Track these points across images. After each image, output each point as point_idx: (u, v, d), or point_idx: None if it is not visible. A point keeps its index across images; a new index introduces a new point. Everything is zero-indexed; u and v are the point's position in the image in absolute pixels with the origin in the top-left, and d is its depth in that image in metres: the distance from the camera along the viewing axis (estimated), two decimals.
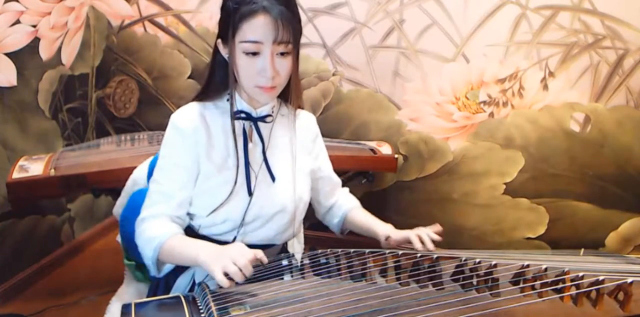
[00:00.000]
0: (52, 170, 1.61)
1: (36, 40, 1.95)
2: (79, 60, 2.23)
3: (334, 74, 2.18)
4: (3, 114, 1.84)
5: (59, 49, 2.09)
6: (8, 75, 1.84)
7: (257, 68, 0.93)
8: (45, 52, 2.01)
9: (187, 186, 1.02)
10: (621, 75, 1.87)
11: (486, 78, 2.02)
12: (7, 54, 1.82)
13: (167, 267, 1.07)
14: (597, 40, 1.86)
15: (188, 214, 1.06)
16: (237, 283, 0.85)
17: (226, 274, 0.84)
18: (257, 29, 0.90)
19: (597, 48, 1.87)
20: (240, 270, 0.84)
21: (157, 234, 0.98)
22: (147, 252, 0.99)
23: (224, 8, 0.95)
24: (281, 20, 0.89)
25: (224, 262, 0.85)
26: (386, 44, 2.08)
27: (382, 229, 1.12)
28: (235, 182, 1.01)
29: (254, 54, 0.92)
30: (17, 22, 1.85)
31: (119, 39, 2.40)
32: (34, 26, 1.92)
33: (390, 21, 2.05)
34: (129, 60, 2.43)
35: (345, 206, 1.23)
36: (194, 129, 1.00)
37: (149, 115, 2.51)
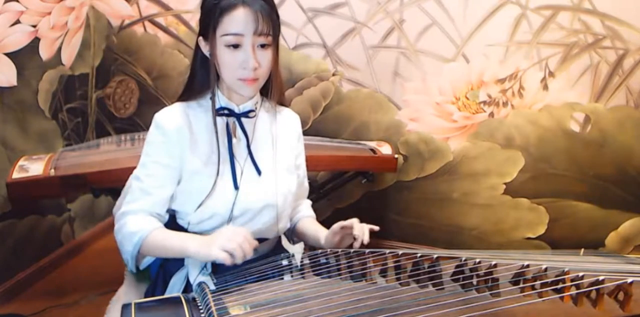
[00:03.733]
0: (52, 170, 1.61)
1: (36, 40, 1.95)
2: (79, 60, 2.23)
3: (334, 74, 2.18)
4: (3, 114, 1.84)
5: (59, 49, 2.09)
6: (8, 75, 1.84)
7: (239, 60, 0.96)
8: (45, 52, 2.01)
9: (167, 184, 1.03)
10: (621, 75, 1.87)
11: (486, 78, 2.02)
12: (7, 54, 1.82)
13: (146, 262, 1.10)
14: (597, 40, 1.86)
15: (175, 211, 1.07)
16: (236, 265, 0.88)
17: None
18: (238, 21, 0.94)
19: (597, 48, 1.87)
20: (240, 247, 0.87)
21: (137, 228, 0.99)
22: (127, 247, 1.00)
23: (203, 5, 0.99)
24: (261, 13, 0.94)
25: (220, 243, 0.89)
26: (386, 44, 2.08)
27: (325, 232, 1.10)
28: (217, 173, 1.02)
29: (235, 46, 0.95)
30: (17, 22, 1.85)
31: (119, 39, 2.40)
32: (34, 26, 1.92)
33: (390, 21, 2.05)
34: (129, 60, 2.43)
35: (300, 214, 1.22)
36: (177, 128, 1.02)
37: (149, 115, 2.48)
